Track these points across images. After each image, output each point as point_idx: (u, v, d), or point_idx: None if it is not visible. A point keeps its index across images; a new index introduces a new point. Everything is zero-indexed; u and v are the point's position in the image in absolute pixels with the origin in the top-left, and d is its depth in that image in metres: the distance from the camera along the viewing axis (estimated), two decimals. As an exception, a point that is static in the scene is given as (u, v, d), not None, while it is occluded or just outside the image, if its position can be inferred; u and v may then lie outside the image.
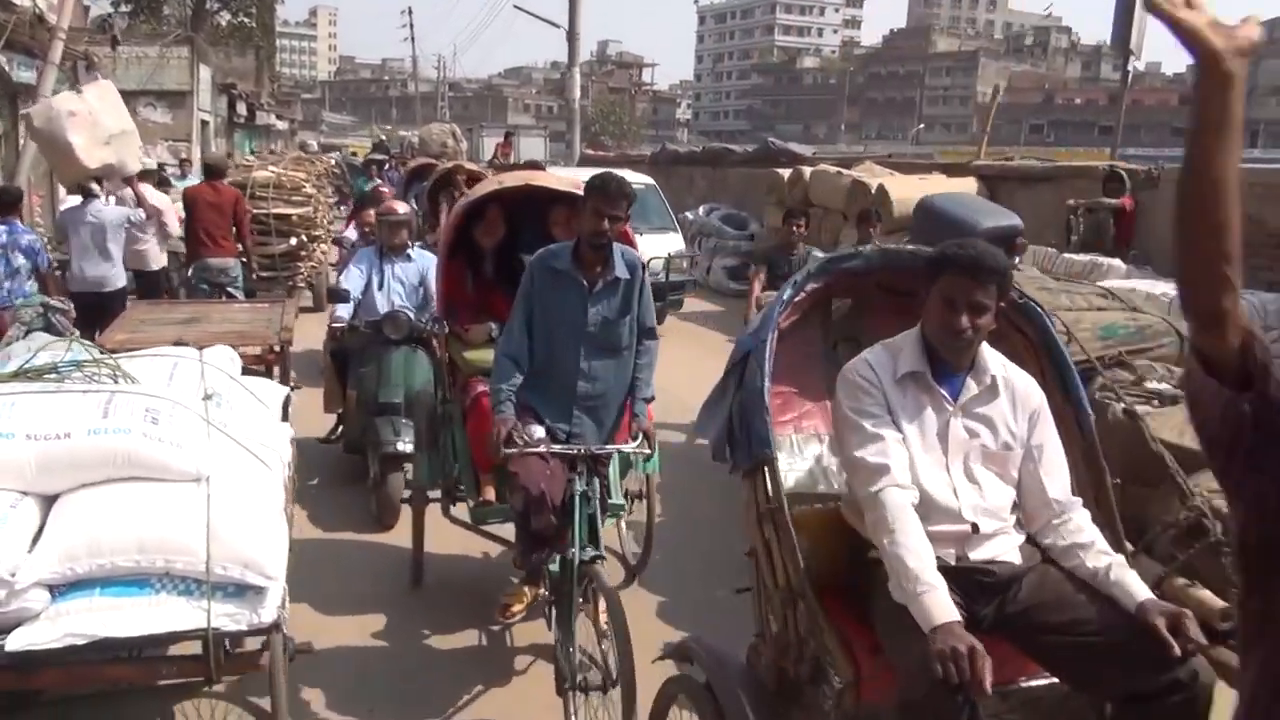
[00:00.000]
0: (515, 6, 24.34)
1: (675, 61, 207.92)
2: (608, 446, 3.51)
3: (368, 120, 73.28)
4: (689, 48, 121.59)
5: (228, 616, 2.49)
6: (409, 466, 4.87)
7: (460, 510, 4.27)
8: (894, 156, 15.08)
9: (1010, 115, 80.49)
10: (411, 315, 5.42)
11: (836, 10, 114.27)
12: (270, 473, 3.04)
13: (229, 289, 8.50)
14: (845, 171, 11.46)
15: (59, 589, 2.48)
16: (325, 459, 5.96)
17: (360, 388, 5.40)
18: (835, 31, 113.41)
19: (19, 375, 2.98)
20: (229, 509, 2.61)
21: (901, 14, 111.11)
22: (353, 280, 5.64)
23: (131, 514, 2.54)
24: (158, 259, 8.65)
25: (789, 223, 6.87)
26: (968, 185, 10.42)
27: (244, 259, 8.88)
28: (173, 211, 8.67)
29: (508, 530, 4.11)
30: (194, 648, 2.58)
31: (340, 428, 5.96)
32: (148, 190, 8.58)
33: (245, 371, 3.99)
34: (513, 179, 4.27)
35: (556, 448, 3.36)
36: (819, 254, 6.91)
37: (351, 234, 8.21)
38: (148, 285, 8.49)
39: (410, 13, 60.38)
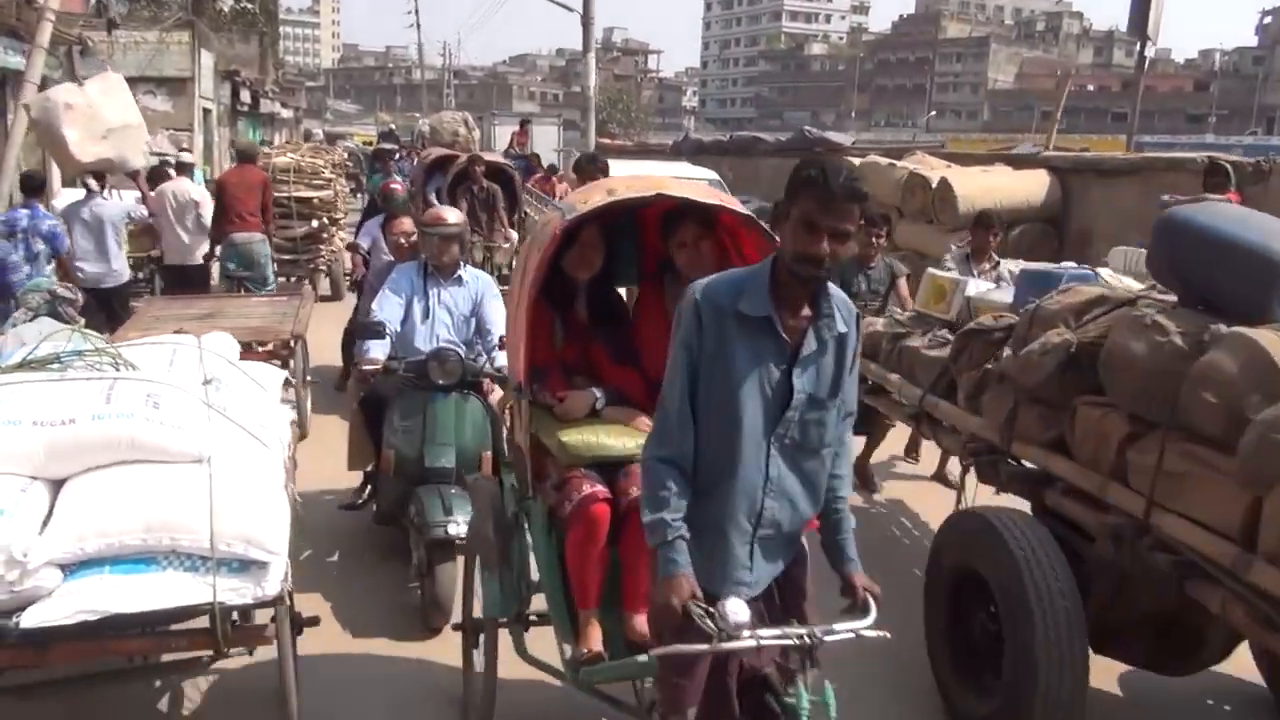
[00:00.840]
0: (529, -11, 23.43)
1: (681, 48, 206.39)
2: (838, 627, 2.10)
3: (372, 108, 72.37)
4: (695, 35, 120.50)
5: (233, 590, 2.58)
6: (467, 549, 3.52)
7: (541, 644, 3.07)
8: (945, 146, 14.16)
9: (1021, 101, 79.71)
10: (462, 354, 4.40)
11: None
12: (269, 452, 3.12)
13: (248, 283, 8.42)
14: (898, 164, 10.61)
15: (69, 568, 2.56)
16: (348, 530, 4.82)
17: (398, 446, 4.29)
18: (843, 18, 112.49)
19: (24, 366, 3.08)
20: (230, 488, 2.70)
21: (910, 0, 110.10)
22: (390, 309, 4.56)
23: (137, 495, 2.63)
24: (202, 251, 8.66)
25: (866, 231, 5.78)
26: (1038, 178, 9.58)
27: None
28: (209, 204, 8.66)
29: (621, 688, 2.90)
30: (203, 623, 2.64)
31: (369, 488, 4.87)
32: (186, 183, 8.84)
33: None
34: (628, 186, 2.98)
35: (769, 635, 2.03)
36: (901, 267, 6.04)
37: (365, 240, 7.28)
38: (192, 278, 8.50)
39: (416, -1, 59.28)
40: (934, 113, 76.93)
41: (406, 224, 5.88)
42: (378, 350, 4.38)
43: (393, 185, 8.12)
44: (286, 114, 36.05)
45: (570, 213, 2.91)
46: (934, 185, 9.58)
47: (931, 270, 5.34)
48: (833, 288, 2.19)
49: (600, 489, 2.79)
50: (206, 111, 18.84)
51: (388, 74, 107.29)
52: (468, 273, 4.82)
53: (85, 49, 13.39)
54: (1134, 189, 8.70)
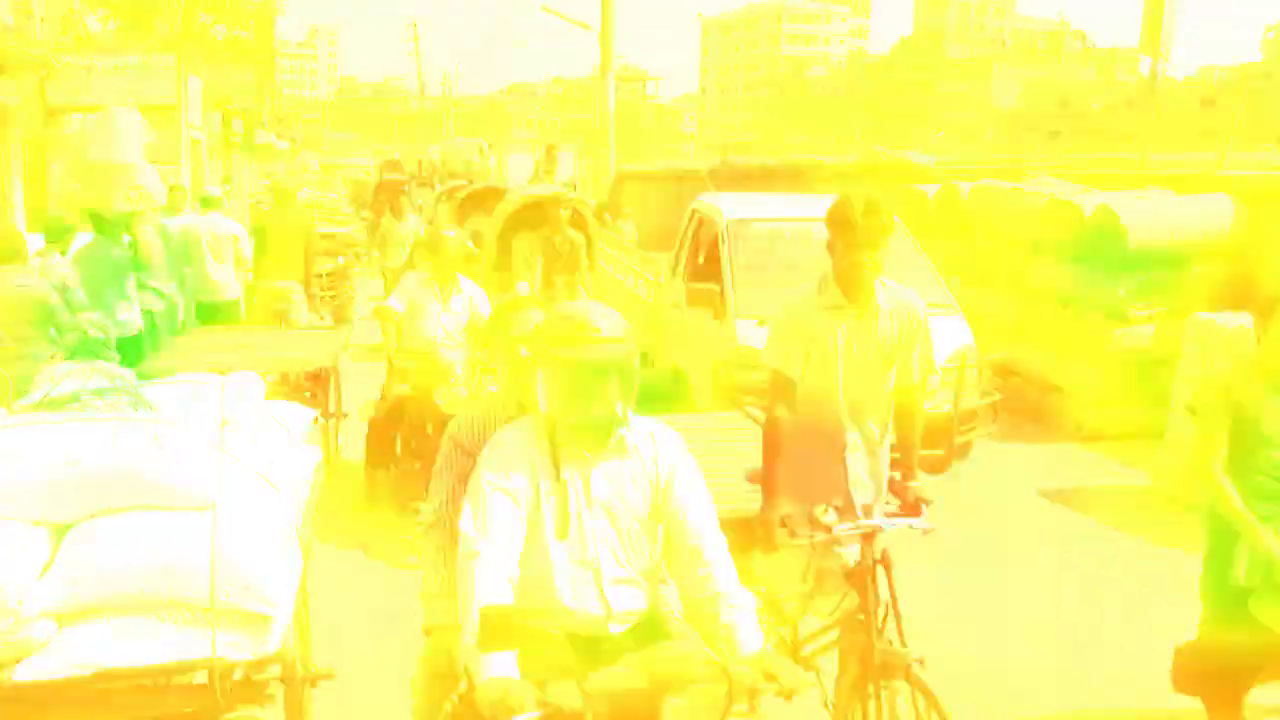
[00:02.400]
0: (543, 8, 22.15)
1: (679, 75, 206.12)
2: None
3: (370, 139, 71.18)
4: (693, 61, 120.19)
5: (232, 645, 2.47)
6: None
7: None
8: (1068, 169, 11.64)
9: (1026, 122, 78.72)
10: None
11: (843, 20, 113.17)
12: (282, 499, 3.00)
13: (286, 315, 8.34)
14: (1026, 189, 8.82)
15: (66, 618, 2.46)
16: None
17: None
18: (842, 42, 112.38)
19: (43, 404, 3.01)
20: (235, 536, 2.58)
21: (908, 23, 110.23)
22: (503, 523, 2.23)
23: (138, 542, 2.54)
24: (233, 288, 8.63)
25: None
26: (1217, 205, 7.77)
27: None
28: (245, 239, 8.64)
29: None
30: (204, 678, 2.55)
31: None
32: (218, 218, 8.87)
33: (292, 396, 4.10)
34: None
35: None
36: None
37: (399, 303, 5.41)
38: (224, 315, 8.45)
39: (416, 26, 58.26)
40: (941, 133, 75.85)
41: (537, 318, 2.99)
42: (506, 665, 1.97)
43: (447, 233, 6.04)
44: (283, 145, 34.43)
45: None
46: (1087, 214, 7.78)
47: None
48: None
49: None
50: (195, 142, 17.07)
51: (385, 105, 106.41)
52: (641, 432, 2.38)
53: (50, 72, 11.75)
54: (1364, 217, 6.92)
